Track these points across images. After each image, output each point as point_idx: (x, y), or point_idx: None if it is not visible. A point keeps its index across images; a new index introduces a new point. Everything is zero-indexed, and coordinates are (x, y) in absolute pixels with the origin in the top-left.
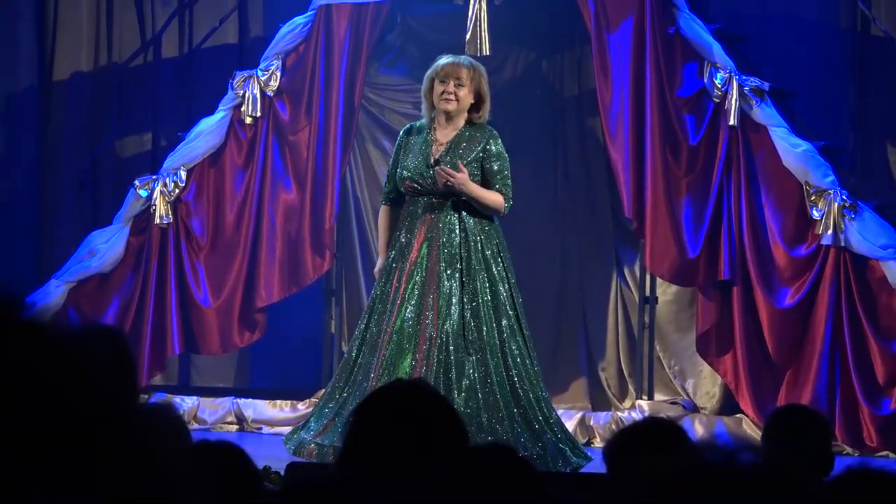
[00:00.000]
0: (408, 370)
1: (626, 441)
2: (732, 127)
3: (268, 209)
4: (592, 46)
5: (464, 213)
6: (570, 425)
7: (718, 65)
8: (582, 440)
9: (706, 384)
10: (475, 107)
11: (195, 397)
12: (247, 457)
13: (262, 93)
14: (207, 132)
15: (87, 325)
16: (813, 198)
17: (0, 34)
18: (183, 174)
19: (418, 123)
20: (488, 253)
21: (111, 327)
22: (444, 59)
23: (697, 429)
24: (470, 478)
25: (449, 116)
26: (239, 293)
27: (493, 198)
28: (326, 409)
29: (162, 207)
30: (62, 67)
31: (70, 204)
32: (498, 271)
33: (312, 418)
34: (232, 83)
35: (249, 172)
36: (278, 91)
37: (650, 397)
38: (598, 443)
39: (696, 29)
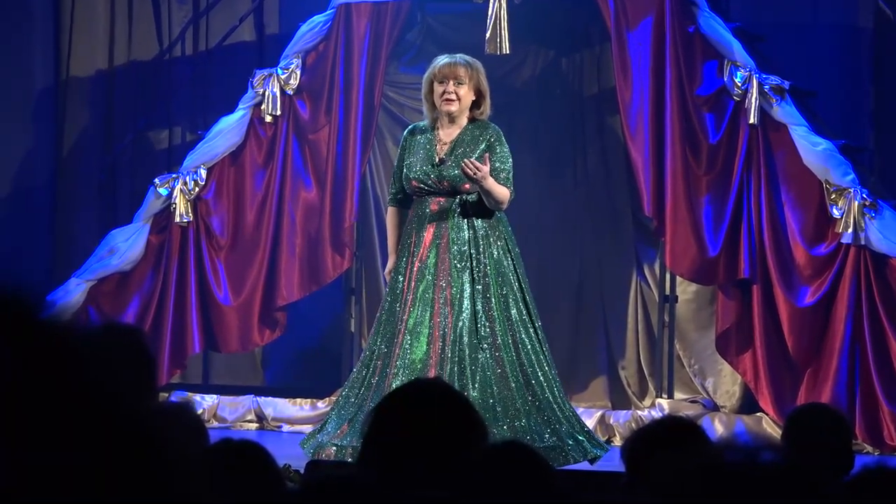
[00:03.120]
0: (422, 367)
1: (644, 440)
2: (752, 125)
3: (288, 208)
4: (612, 45)
5: (471, 212)
6: (590, 424)
7: (739, 63)
8: (602, 438)
9: (726, 383)
10: (476, 103)
11: (215, 395)
12: (269, 455)
13: (282, 91)
14: (227, 131)
15: (107, 324)
16: (833, 196)
17: (16, 34)
18: (203, 173)
19: (422, 124)
20: (497, 249)
21: (131, 326)
22: (441, 60)
23: (717, 428)
24: (487, 476)
25: (451, 116)
26: (259, 292)
27: (502, 194)
28: (343, 412)
29: (182, 206)
30: (78, 66)
31: (89, 202)
32: (507, 266)
33: (329, 421)
34: (252, 82)
35: (269, 171)
36: (298, 90)
37: (670, 396)
38: (618, 441)
39: (715, 27)
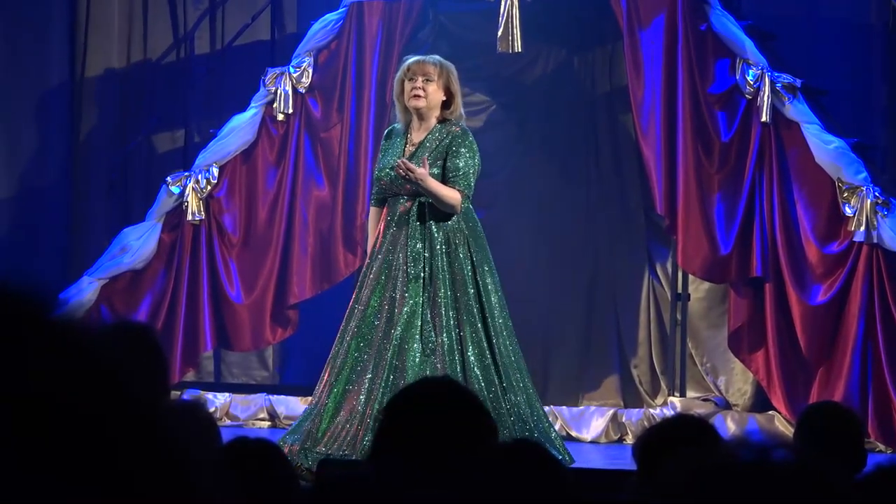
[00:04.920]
0: (360, 371)
1: (656, 438)
2: (765, 123)
3: (300, 206)
4: (624, 43)
5: (430, 215)
6: (602, 422)
7: (751, 61)
8: (614, 437)
9: (738, 381)
10: (446, 104)
11: (227, 394)
12: (283, 454)
13: (294, 90)
14: (239, 129)
15: (118, 323)
16: (845, 194)
17: (32, 32)
18: (215, 171)
19: (398, 125)
20: (455, 254)
21: (142, 324)
22: (411, 59)
23: (730, 426)
24: (496, 475)
25: (421, 115)
26: (271, 290)
27: (450, 195)
28: (307, 409)
29: (194, 204)
30: (94, 65)
31: (102, 201)
32: (465, 273)
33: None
34: (264, 80)
35: (281, 169)
36: (310, 88)
37: (682, 394)
38: (630, 440)
39: (728, 25)
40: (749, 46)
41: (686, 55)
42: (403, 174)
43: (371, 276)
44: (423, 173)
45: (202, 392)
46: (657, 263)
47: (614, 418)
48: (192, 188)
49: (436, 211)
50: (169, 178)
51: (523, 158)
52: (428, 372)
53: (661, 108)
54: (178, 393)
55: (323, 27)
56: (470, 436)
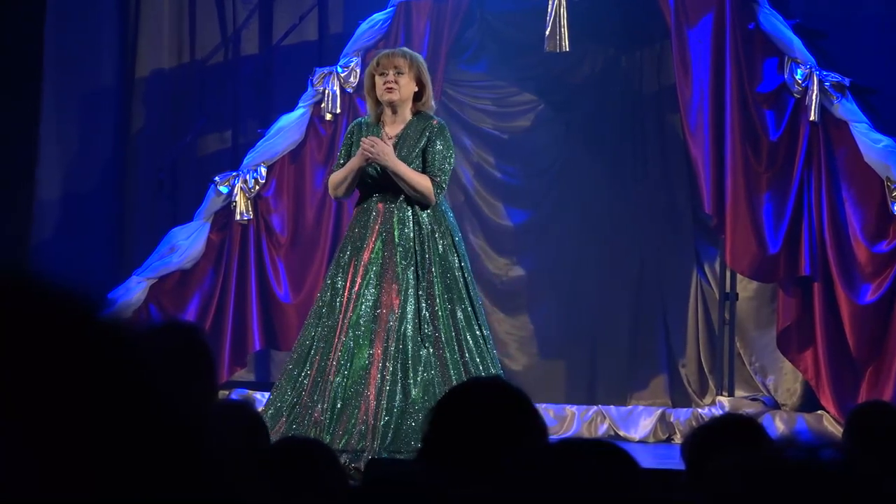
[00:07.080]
0: (365, 364)
1: (704, 438)
2: (813, 122)
3: (347, 205)
4: (672, 42)
5: (416, 207)
6: (650, 422)
7: (799, 60)
8: (662, 437)
9: (787, 381)
10: (418, 95)
11: None
12: (332, 453)
13: (342, 89)
14: (287, 129)
15: (167, 322)
16: (894, 193)
17: (82, 33)
18: (263, 171)
19: (368, 119)
20: (442, 244)
21: (190, 324)
22: (379, 53)
23: (778, 425)
24: (547, 474)
25: (394, 109)
26: (318, 289)
27: (421, 181)
28: (280, 404)
29: (242, 204)
30: (143, 66)
31: (150, 201)
32: (453, 262)
33: (266, 415)
34: (312, 80)
35: (329, 169)
36: (358, 88)
37: (731, 394)
38: (679, 439)
39: (776, 24)
40: (797, 45)
41: (734, 54)
42: (369, 147)
43: (357, 272)
44: (388, 149)
45: (250, 391)
46: (705, 263)
47: (662, 418)
48: (241, 188)
49: (419, 202)
50: (217, 178)
51: (571, 157)
52: (434, 365)
53: (709, 108)
54: (227, 392)
55: (370, 27)
56: (519, 435)
